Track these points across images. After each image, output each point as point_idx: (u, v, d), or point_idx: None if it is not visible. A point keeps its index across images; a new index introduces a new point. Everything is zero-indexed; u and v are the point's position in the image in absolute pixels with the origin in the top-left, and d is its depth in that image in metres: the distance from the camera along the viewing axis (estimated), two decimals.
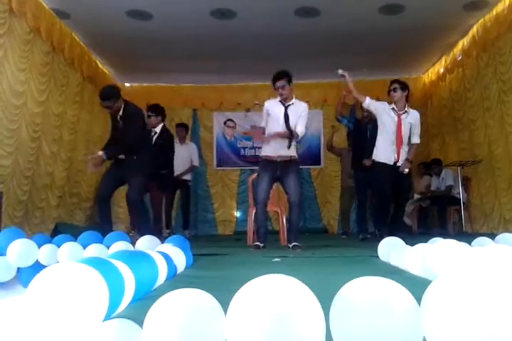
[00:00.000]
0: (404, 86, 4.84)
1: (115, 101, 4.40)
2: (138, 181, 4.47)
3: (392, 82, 4.90)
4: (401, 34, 6.68)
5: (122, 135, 4.46)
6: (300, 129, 4.37)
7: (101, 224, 4.45)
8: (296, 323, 0.86)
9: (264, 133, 4.50)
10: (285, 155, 4.38)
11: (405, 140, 4.80)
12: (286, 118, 4.34)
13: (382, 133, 4.88)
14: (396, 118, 4.76)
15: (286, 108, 4.38)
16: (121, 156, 4.49)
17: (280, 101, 4.42)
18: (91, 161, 4.35)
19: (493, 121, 6.13)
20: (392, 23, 6.32)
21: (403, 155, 4.79)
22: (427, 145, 8.81)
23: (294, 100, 4.43)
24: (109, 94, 4.43)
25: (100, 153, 4.30)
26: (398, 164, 4.76)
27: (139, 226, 4.64)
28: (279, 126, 4.36)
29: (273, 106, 4.44)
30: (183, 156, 6.50)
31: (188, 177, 6.91)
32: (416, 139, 4.86)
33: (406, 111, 4.82)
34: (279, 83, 4.33)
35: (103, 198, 4.50)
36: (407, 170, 4.73)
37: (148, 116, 5.65)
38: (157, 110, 5.82)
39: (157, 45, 7.02)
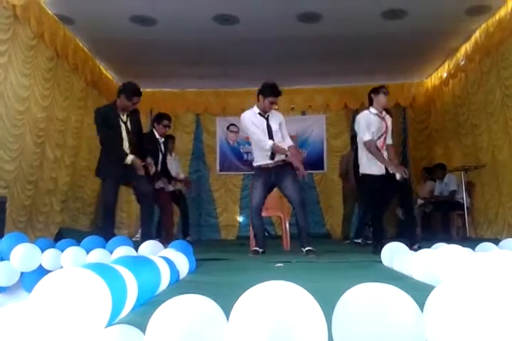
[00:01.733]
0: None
1: None
2: (148, 178, 4.58)
3: (382, 86, 4.67)
4: (404, 39, 6.68)
5: (137, 137, 4.54)
6: (289, 143, 4.47)
7: (105, 233, 4.36)
8: (299, 330, 0.85)
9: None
10: (277, 159, 4.37)
11: (386, 142, 4.59)
12: (269, 130, 4.37)
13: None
14: (383, 122, 4.54)
15: (267, 119, 4.41)
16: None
17: (259, 113, 4.42)
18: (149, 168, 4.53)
19: (497, 125, 6.11)
20: (394, 28, 6.32)
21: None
22: (430, 150, 8.81)
23: (271, 111, 4.48)
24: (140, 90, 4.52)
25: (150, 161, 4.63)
26: (390, 171, 4.42)
27: (145, 226, 4.61)
28: (264, 138, 4.36)
29: (254, 119, 4.42)
30: (172, 168, 6.33)
31: (177, 186, 6.78)
32: (389, 140, 4.59)
33: (384, 115, 4.61)
34: (275, 99, 4.37)
35: (112, 205, 4.45)
36: (405, 174, 4.49)
37: (166, 126, 5.63)
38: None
39: (160, 50, 7.05)
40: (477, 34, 6.55)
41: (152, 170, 4.71)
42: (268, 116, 4.42)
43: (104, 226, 4.47)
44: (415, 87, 8.88)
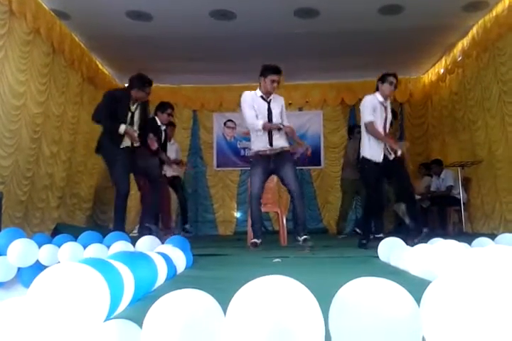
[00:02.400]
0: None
1: None
2: (156, 164, 4.74)
3: (394, 76, 4.54)
4: (401, 35, 6.67)
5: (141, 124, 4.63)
6: (286, 124, 4.47)
7: (117, 222, 4.32)
8: (296, 324, 0.86)
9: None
10: (275, 147, 4.37)
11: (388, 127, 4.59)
12: (270, 114, 4.38)
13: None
14: (385, 111, 4.60)
15: (268, 103, 4.41)
16: (137, 144, 4.54)
17: (261, 96, 4.43)
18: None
19: (494, 121, 6.12)
20: (391, 24, 6.31)
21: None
22: (427, 145, 8.83)
23: (273, 95, 4.50)
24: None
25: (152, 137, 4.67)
26: (390, 157, 4.44)
27: (146, 214, 4.62)
28: (264, 120, 4.36)
29: (255, 101, 4.42)
30: (170, 155, 6.36)
31: (177, 172, 6.71)
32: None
33: (388, 104, 4.61)
34: (276, 77, 4.36)
35: (127, 192, 4.45)
36: (399, 151, 4.46)
37: (169, 115, 5.75)
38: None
39: (157, 46, 7.02)
40: (474, 30, 6.55)
41: (154, 146, 4.70)
42: (270, 100, 4.43)
43: (117, 218, 4.40)
44: (412, 82, 8.89)
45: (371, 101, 4.47)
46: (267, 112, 4.38)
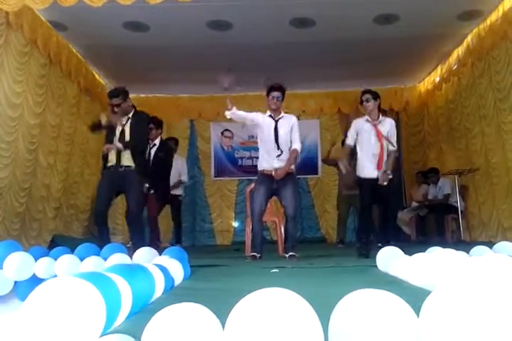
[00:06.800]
0: (375, 96, 4.74)
1: (124, 99, 4.47)
2: (137, 193, 4.46)
3: (364, 92, 4.76)
4: (396, 44, 6.71)
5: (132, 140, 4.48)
6: (298, 145, 4.46)
7: (99, 241, 4.34)
8: (295, 338, 0.85)
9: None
10: (280, 168, 4.40)
11: (384, 148, 4.64)
12: (276, 134, 4.41)
13: (361, 149, 4.70)
14: (373, 129, 4.66)
15: (276, 122, 4.46)
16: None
17: (270, 116, 4.50)
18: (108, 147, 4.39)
19: (490, 129, 6.15)
20: (387, 33, 6.35)
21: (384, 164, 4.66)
22: (424, 153, 8.84)
23: (282, 114, 4.54)
24: (117, 91, 4.53)
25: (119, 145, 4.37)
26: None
27: (135, 239, 4.57)
28: (270, 141, 4.43)
29: (263, 119, 4.51)
30: (173, 171, 6.30)
31: (178, 191, 6.71)
32: (391, 147, 4.70)
33: (380, 121, 4.68)
34: (276, 93, 4.44)
35: (101, 213, 4.39)
36: (385, 182, 4.60)
37: (150, 128, 5.56)
38: (157, 122, 5.83)
39: (154, 56, 7.05)
40: (469, 38, 6.60)
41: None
42: (279, 119, 4.47)
43: (98, 238, 4.45)
44: (408, 91, 8.93)
45: (355, 123, 4.70)
46: (273, 131, 4.43)
